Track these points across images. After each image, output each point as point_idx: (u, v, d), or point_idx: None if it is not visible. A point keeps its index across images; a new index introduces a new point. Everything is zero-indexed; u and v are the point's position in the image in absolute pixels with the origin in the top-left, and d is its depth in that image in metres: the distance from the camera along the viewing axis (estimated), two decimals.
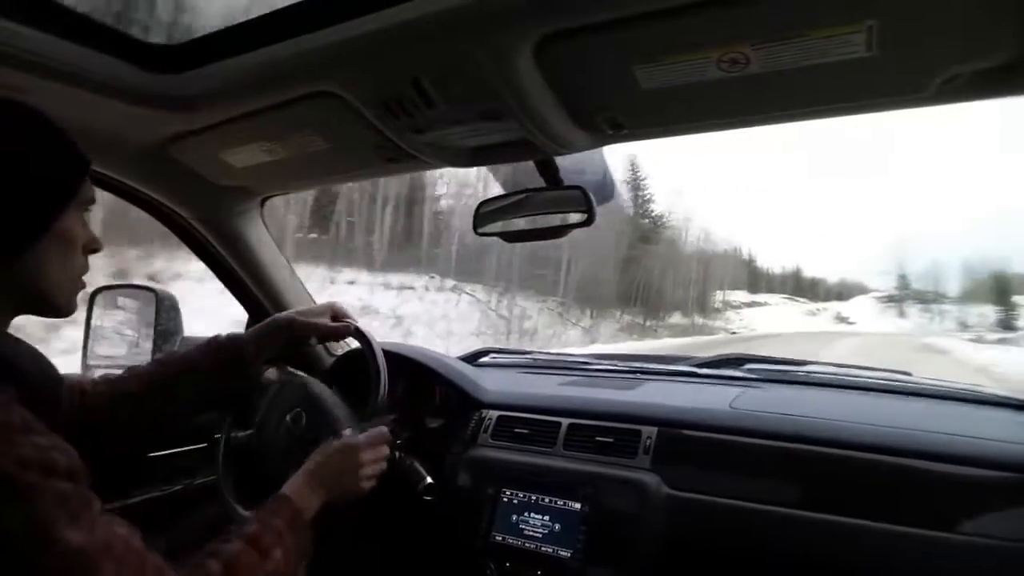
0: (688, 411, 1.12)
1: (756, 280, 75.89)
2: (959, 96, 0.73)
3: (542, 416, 1.21)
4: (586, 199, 0.99)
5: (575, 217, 1.02)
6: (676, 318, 38.35)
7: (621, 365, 1.51)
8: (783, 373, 1.35)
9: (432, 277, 18.76)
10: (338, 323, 1.09)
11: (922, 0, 0.59)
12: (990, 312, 65.80)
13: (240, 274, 1.40)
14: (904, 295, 73.19)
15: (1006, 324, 61.75)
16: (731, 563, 0.97)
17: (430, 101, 0.83)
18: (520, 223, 1.08)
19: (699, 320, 42.23)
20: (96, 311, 1.37)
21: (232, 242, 1.35)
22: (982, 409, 1.10)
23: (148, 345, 1.37)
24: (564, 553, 1.04)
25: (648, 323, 32.67)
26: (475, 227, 1.11)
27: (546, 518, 1.08)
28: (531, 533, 1.08)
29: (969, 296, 72.03)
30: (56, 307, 0.67)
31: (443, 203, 23.19)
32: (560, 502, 1.08)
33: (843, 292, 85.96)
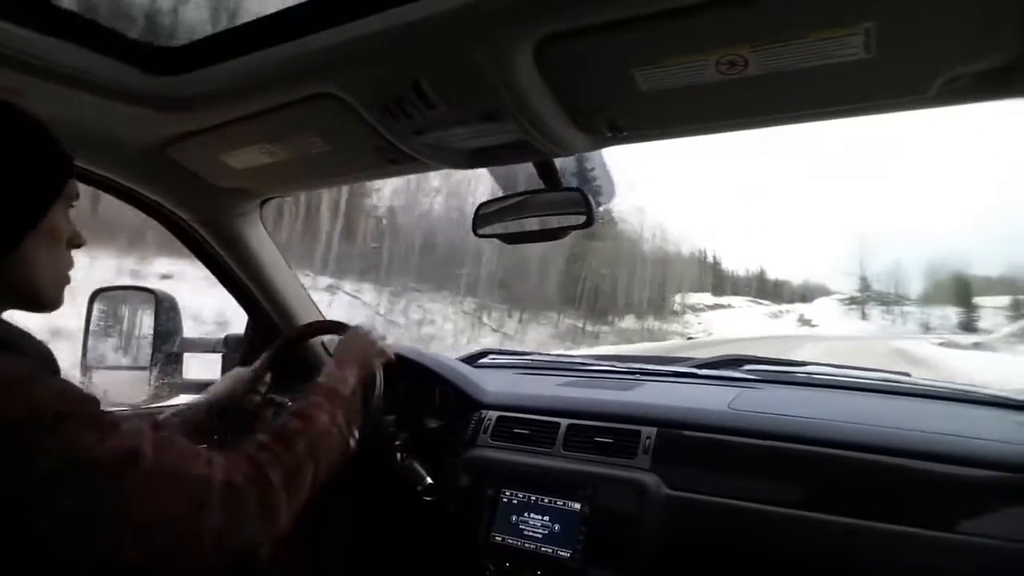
0: (687, 411, 1.12)
1: (721, 282, 75.11)
2: (959, 98, 0.73)
3: (541, 417, 1.22)
4: (585, 201, 1.00)
5: (574, 219, 1.02)
6: (628, 322, 35.78)
7: (620, 366, 1.51)
8: (782, 374, 1.36)
9: (307, 275, 15.81)
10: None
11: (920, 2, 0.59)
12: (951, 314, 64.30)
13: (239, 276, 1.40)
14: (866, 297, 71.78)
15: (967, 326, 60.08)
16: (730, 563, 0.97)
17: (430, 103, 0.83)
18: (519, 225, 1.08)
19: (654, 324, 39.43)
20: (96, 312, 1.37)
21: (231, 244, 1.35)
22: (980, 409, 1.10)
23: (147, 346, 1.38)
24: (564, 553, 1.04)
25: (591, 327, 29.38)
26: (474, 229, 1.11)
27: (546, 518, 1.08)
28: (531, 533, 1.08)
29: (930, 298, 71.07)
30: (43, 301, 0.69)
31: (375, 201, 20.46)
32: (559, 502, 1.08)
33: (807, 294, 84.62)
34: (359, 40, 0.74)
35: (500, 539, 1.10)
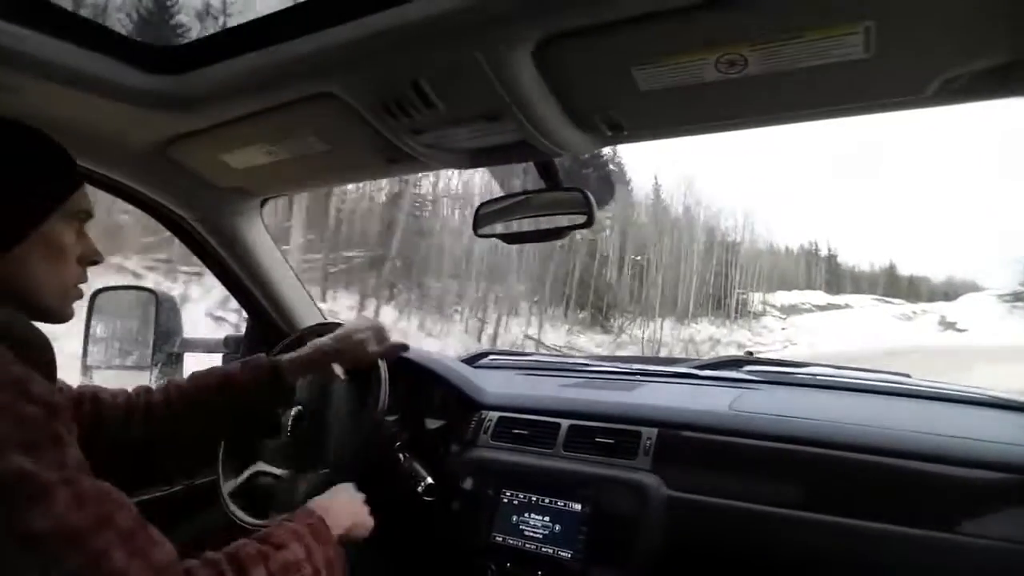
0: (688, 412, 1.12)
1: (838, 279, 65.26)
2: (958, 97, 0.73)
3: (542, 417, 1.22)
4: (586, 200, 0.99)
5: (575, 219, 1.02)
6: (662, 327, 28.17)
7: (621, 367, 1.51)
8: (783, 375, 1.35)
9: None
10: (385, 346, 1.07)
11: (919, 2, 0.59)
12: None
13: (240, 275, 1.40)
14: None
15: None
16: (731, 564, 0.97)
17: (430, 103, 0.83)
18: (520, 225, 1.08)
19: (697, 330, 31.38)
20: (96, 312, 1.37)
21: (232, 243, 1.35)
22: (981, 411, 1.10)
23: (148, 346, 1.38)
24: (564, 554, 1.04)
25: (584, 335, 23.13)
26: (475, 229, 1.11)
27: (546, 519, 1.08)
28: (531, 534, 1.08)
29: None
30: (43, 310, 0.68)
31: None
32: (560, 503, 1.08)
33: (950, 291, 65.63)
34: (359, 40, 0.74)
35: (501, 539, 1.10)
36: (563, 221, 1.03)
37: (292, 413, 1.11)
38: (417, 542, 1.28)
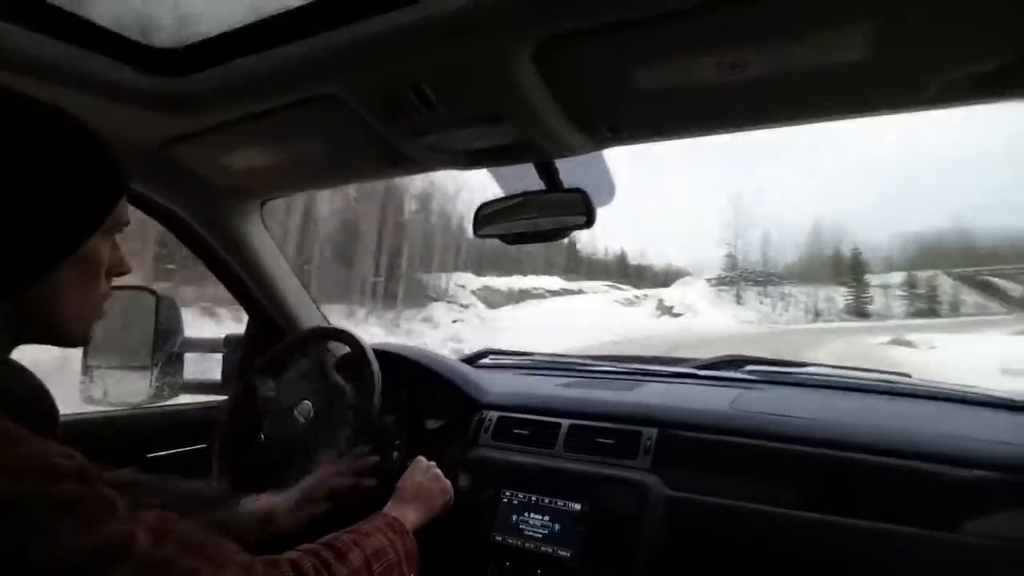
0: (688, 412, 1.12)
1: (576, 265, 64.32)
2: (957, 99, 0.73)
3: (542, 417, 1.22)
4: (585, 202, 1.00)
5: (574, 220, 1.02)
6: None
7: (621, 366, 1.51)
8: (783, 375, 1.36)
9: None
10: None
11: (919, 5, 0.59)
12: (837, 295, 53.71)
13: (240, 275, 1.40)
14: (738, 276, 54.75)
15: (858, 309, 51.58)
16: (731, 564, 0.97)
17: (430, 104, 0.83)
18: (520, 225, 1.08)
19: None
20: None
21: (232, 244, 1.35)
22: (980, 410, 1.10)
23: (148, 346, 1.38)
24: (564, 553, 1.04)
25: None
26: (474, 230, 1.11)
27: (546, 518, 1.08)
28: (531, 533, 1.08)
29: (808, 277, 56.63)
30: (69, 339, 0.60)
31: None
32: (560, 503, 1.08)
33: (668, 278, 67.37)
34: (360, 42, 0.74)
35: (500, 539, 1.10)
36: (563, 222, 1.03)
37: (299, 407, 1.12)
38: (417, 542, 1.29)
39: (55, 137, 0.54)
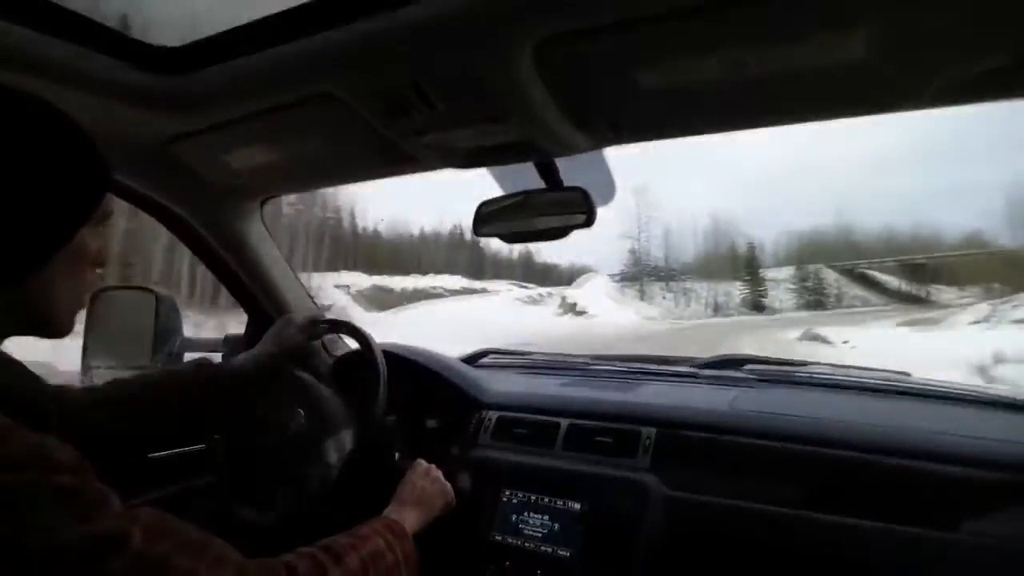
0: (687, 412, 1.12)
1: (480, 265, 65.38)
2: (957, 99, 0.73)
3: (542, 417, 1.22)
4: (586, 200, 0.99)
5: (575, 218, 1.02)
6: None
7: (620, 366, 1.51)
8: (782, 374, 1.35)
9: None
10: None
11: (919, 4, 0.59)
12: (734, 290, 53.19)
13: (240, 274, 1.40)
14: (641, 272, 53.71)
15: (755, 303, 51.40)
16: (730, 563, 0.97)
17: (430, 103, 0.83)
18: (520, 224, 1.08)
19: None
20: (96, 312, 1.37)
21: (232, 243, 1.35)
22: (980, 410, 1.10)
23: (148, 345, 1.37)
24: (563, 553, 1.04)
25: None
26: (474, 228, 1.11)
27: (545, 518, 1.08)
28: (531, 533, 1.08)
29: (707, 272, 56.36)
30: (58, 329, 0.62)
31: None
32: (560, 502, 1.08)
33: (573, 275, 64.34)
34: (360, 41, 0.74)
35: (500, 538, 1.10)
36: (563, 221, 1.03)
37: (290, 415, 1.11)
38: (416, 542, 1.28)
39: (46, 131, 0.56)
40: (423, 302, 36.39)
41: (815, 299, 55.09)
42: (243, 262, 1.38)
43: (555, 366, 1.60)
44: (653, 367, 1.47)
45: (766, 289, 54.18)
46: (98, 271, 0.66)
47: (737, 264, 58.55)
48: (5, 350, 0.63)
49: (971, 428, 0.96)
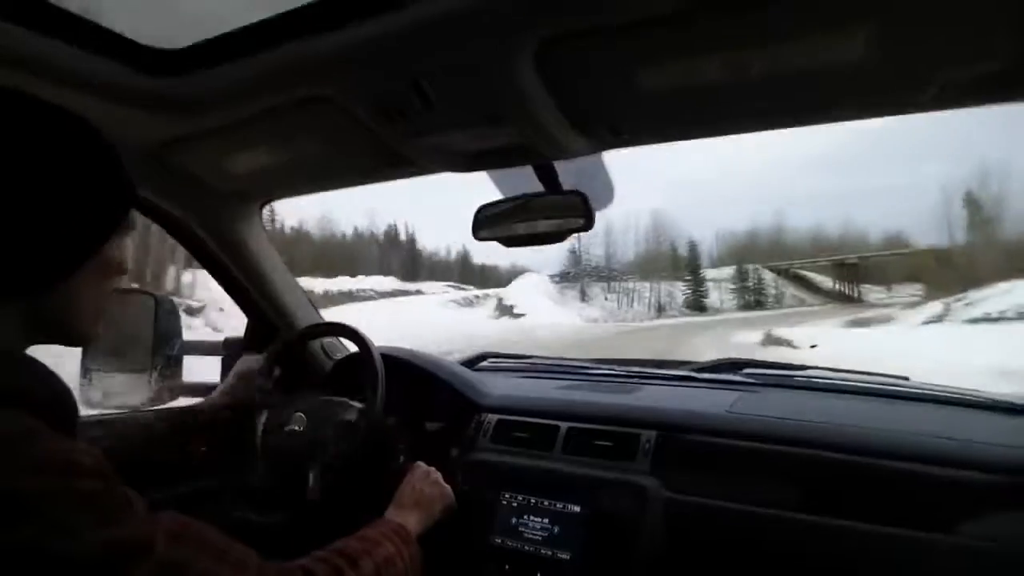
0: (687, 415, 1.12)
1: (415, 266, 64.71)
2: (958, 101, 0.73)
3: (541, 420, 1.22)
4: (585, 204, 1.00)
5: (573, 222, 1.02)
6: None
7: (620, 369, 1.51)
8: (781, 377, 1.35)
9: None
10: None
11: (920, 6, 0.59)
12: (676, 290, 51.71)
13: (239, 278, 1.40)
14: (582, 272, 51.18)
15: (696, 303, 50.61)
16: (730, 566, 0.97)
17: (429, 106, 0.83)
18: (519, 228, 1.08)
19: None
20: None
21: (231, 246, 1.35)
22: (979, 413, 1.10)
23: (147, 349, 1.37)
24: (563, 556, 1.04)
25: None
26: (473, 232, 1.11)
27: (545, 521, 1.08)
28: (530, 536, 1.08)
29: (649, 272, 53.48)
30: (82, 338, 0.62)
31: None
32: (559, 505, 1.08)
33: (513, 276, 57.77)
34: (358, 43, 0.74)
35: (500, 541, 1.10)
36: (561, 225, 1.03)
37: (293, 422, 1.11)
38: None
39: (78, 146, 0.57)
40: (347, 305, 34.79)
41: (756, 299, 54.42)
42: (242, 265, 1.38)
43: (554, 369, 1.60)
44: (652, 370, 1.47)
45: (707, 289, 53.13)
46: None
47: (678, 263, 56.98)
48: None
49: (968, 431, 0.96)
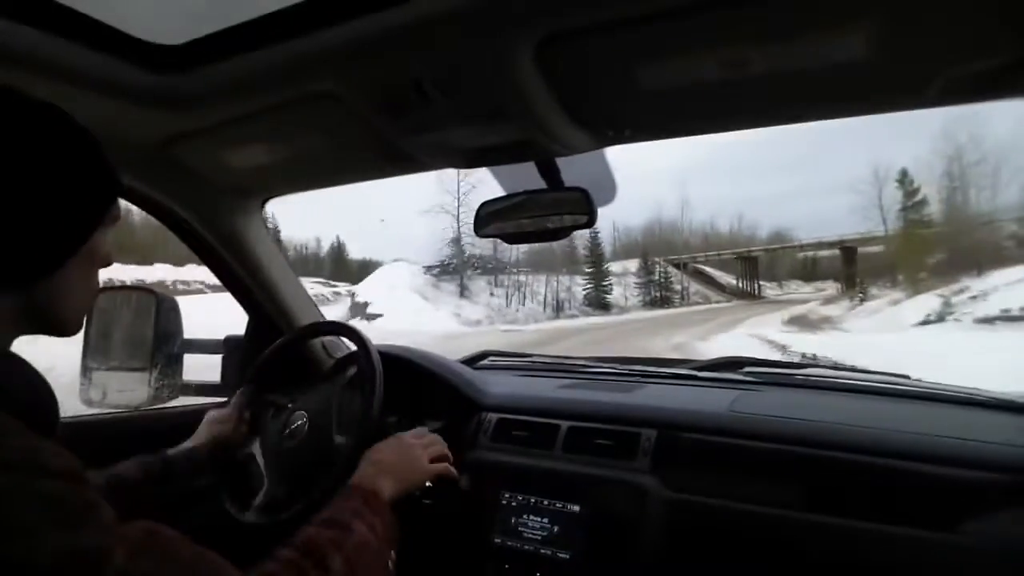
0: (687, 414, 1.12)
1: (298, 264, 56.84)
2: (959, 98, 0.73)
3: (541, 419, 1.21)
4: (587, 200, 0.99)
5: (576, 219, 1.02)
6: None
7: (620, 368, 1.51)
8: (782, 376, 1.35)
9: None
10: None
11: (920, 3, 0.59)
12: (576, 286, 42.84)
13: (240, 275, 1.40)
14: (463, 263, 38.27)
15: (598, 300, 42.32)
16: (730, 565, 0.97)
17: (430, 102, 0.83)
18: (521, 224, 1.08)
19: None
20: (96, 313, 1.37)
21: (232, 243, 1.35)
22: (980, 412, 1.10)
23: (148, 347, 1.37)
24: (563, 555, 1.04)
25: None
26: (476, 229, 1.11)
27: (545, 520, 1.08)
28: (530, 535, 1.08)
29: (545, 263, 42.24)
30: (68, 329, 0.63)
31: None
32: (559, 504, 1.08)
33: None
34: (360, 39, 0.74)
35: (500, 541, 1.10)
36: (564, 221, 1.03)
37: (292, 421, 1.11)
38: (416, 545, 1.28)
39: (60, 139, 0.58)
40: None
41: (664, 295, 49.06)
42: (243, 262, 1.38)
43: (554, 368, 1.60)
44: (652, 369, 1.47)
45: (610, 285, 45.73)
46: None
47: (576, 256, 47.33)
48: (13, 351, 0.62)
49: (970, 430, 0.96)
